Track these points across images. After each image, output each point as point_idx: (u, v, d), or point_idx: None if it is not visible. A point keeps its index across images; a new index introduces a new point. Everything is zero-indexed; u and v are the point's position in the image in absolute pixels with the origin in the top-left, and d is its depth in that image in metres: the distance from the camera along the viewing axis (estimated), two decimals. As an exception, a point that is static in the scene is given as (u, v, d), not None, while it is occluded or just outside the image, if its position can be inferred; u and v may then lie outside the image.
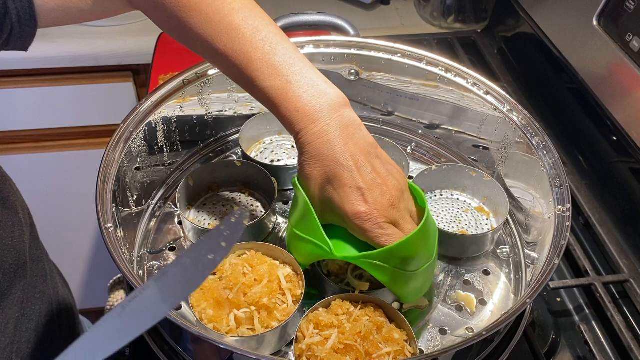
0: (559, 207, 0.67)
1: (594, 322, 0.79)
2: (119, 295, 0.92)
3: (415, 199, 0.65)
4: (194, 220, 0.77)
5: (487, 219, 0.80)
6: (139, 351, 0.67)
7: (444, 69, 0.83)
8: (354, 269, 0.68)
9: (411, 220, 0.62)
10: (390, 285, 0.62)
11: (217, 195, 0.81)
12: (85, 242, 1.68)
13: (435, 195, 0.83)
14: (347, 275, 0.68)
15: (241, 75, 0.61)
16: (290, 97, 0.58)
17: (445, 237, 0.73)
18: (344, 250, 0.61)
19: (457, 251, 0.75)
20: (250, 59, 0.59)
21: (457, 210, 0.81)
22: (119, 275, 0.92)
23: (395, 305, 0.67)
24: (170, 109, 0.79)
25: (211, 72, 0.81)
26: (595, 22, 0.90)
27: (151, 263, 0.73)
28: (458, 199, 0.83)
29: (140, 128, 0.74)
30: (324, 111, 0.58)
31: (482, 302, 0.71)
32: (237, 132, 0.87)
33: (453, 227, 0.79)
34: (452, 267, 0.74)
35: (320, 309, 0.64)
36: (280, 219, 0.79)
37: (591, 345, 0.74)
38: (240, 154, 0.87)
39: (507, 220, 0.80)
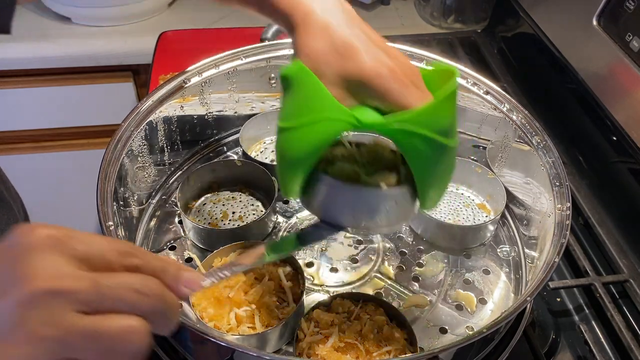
0: (559, 205, 0.67)
1: (593, 322, 0.78)
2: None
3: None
4: (194, 219, 0.77)
5: (487, 217, 0.80)
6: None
7: (444, 68, 0.83)
8: (367, 169, 0.56)
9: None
10: (419, 166, 0.52)
11: (217, 195, 0.81)
12: (85, 242, 1.68)
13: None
14: (361, 178, 0.55)
15: None
16: None
17: (436, 226, 0.75)
18: (367, 120, 0.51)
19: (447, 241, 0.77)
20: None
21: (458, 204, 0.82)
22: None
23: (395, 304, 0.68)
24: (171, 109, 0.79)
25: (212, 71, 0.81)
26: (595, 22, 0.90)
27: (151, 262, 0.73)
28: (462, 193, 0.84)
29: (141, 127, 0.74)
30: None
31: (482, 301, 0.71)
32: (238, 131, 0.87)
33: (449, 219, 0.80)
34: (453, 266, 0.75)
35: (321, 308, 0.64)
36: (281, 219, 0.79)
37: (591, 345, 0.74)
38: (240, 153, 0.87)
39: (505, 218, 0.80)
